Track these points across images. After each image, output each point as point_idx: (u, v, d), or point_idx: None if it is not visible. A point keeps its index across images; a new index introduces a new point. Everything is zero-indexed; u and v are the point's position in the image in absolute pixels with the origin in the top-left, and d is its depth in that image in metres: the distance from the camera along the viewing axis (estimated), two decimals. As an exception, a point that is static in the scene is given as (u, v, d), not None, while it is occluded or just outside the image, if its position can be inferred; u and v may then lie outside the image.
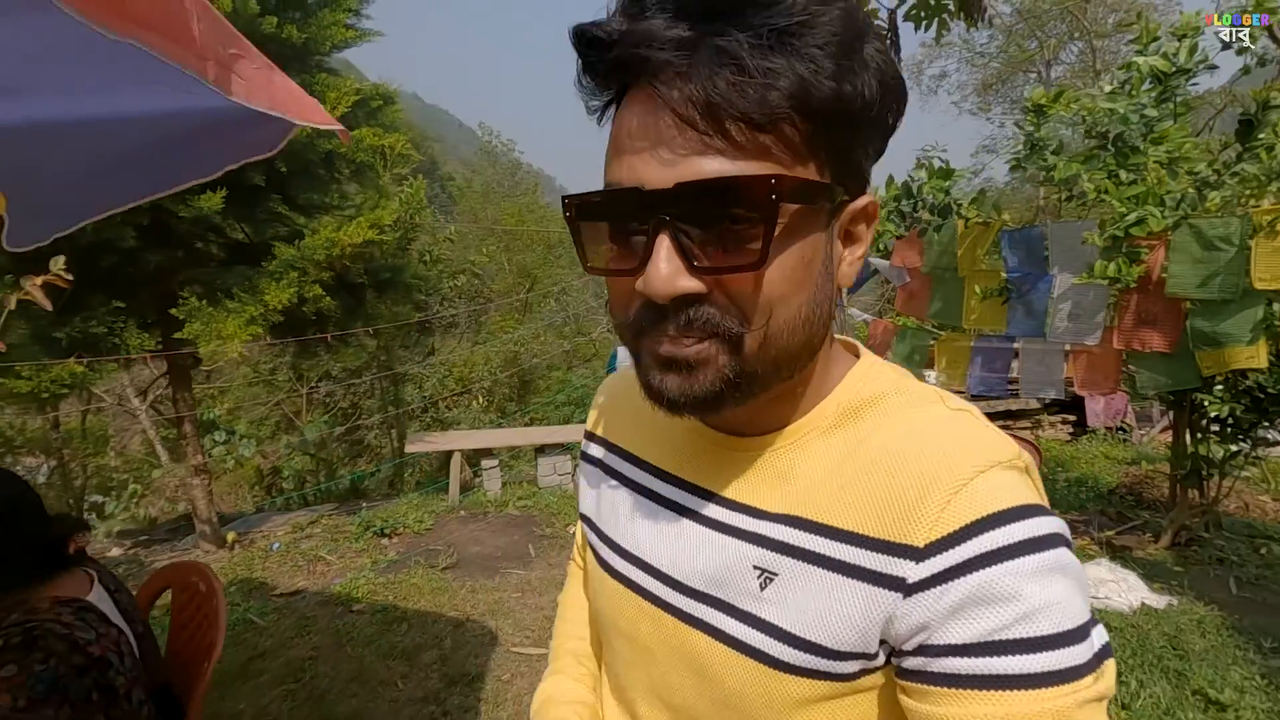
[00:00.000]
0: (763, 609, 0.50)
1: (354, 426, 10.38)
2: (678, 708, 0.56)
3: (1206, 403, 3.71)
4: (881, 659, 0.47)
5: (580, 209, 0.48)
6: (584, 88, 0.47)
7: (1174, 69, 3.55)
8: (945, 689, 0.42)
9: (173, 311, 3.77)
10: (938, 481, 0.45)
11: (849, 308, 6.19)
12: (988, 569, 0.42)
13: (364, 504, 5.25)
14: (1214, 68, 3.67)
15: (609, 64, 0.44)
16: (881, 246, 4.97)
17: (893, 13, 6.22)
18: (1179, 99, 3.63)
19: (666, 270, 0.42)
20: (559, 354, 14.68)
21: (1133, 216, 3.23)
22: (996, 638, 0.41)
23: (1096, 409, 7.18)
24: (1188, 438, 3.90)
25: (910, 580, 0.44)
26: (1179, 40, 3.61)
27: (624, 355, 4.75)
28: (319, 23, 3.67)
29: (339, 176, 4.33)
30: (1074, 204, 4.23)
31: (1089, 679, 0.40)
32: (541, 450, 5.63)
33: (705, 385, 0.46)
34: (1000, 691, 0.40)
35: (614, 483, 0.65)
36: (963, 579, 0.42)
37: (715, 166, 0.41)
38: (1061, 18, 16.51)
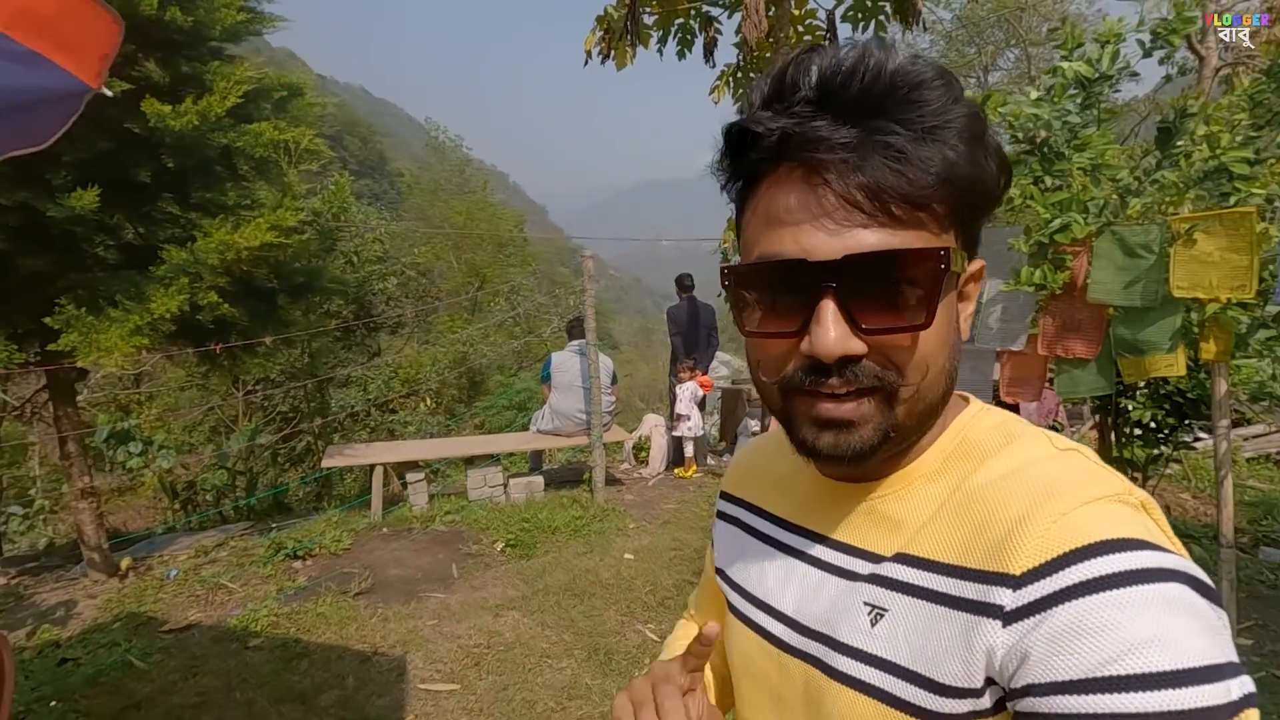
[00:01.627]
0: (873, 644, 0.51)
1: (290, 434, 9.90)
2: None
3: (1131, 408, 3.73)
4: (988, 702, 0.45)
5: (741, 277, 0.53)
6: (724, 163, 0.54)
7: (1097, 75, 3.54)
8: None
9: (47, 321, 3.42)
10: (1038, 511, 0.45)
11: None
12: (1088, 597, 0.41)
13: (273, 524, 4.92)
14: (1136, 75, 3.69)
15: (771, 151, 0.49)
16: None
17: (831, 13, 6.20)
18: (1103, 105, 3.63)
19: (836, 332, 0.47)
20: (509, 353, 14.37)
21: (1057, 223, 3.21)
22: (1104, 673, 0.39)
23: (1030, 409, 7.31)
24: (1113, 440, 3.93)
25: (1008, 608, 0.44)
26: (1102, 47, 3.61)
27: (558, 361, 4.54)
28: (208, 6, 3.37)
29: (241, 173, 4.01)
30: (1002, 209, 4.23)
31: None
32: (471, 461, 5.39)
33: (860, 440, 0.50)
34: None
35: (745, 535, 0.70)
36: (1061, 607, 0.41)
37: (878, 239, 0.47)
38: (999, 25, 16.98)
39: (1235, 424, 7.19)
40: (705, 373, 6.44)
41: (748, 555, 0.68)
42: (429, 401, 11.64)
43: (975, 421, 0.57)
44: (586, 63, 5.93)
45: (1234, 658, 0.40)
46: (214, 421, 10.65)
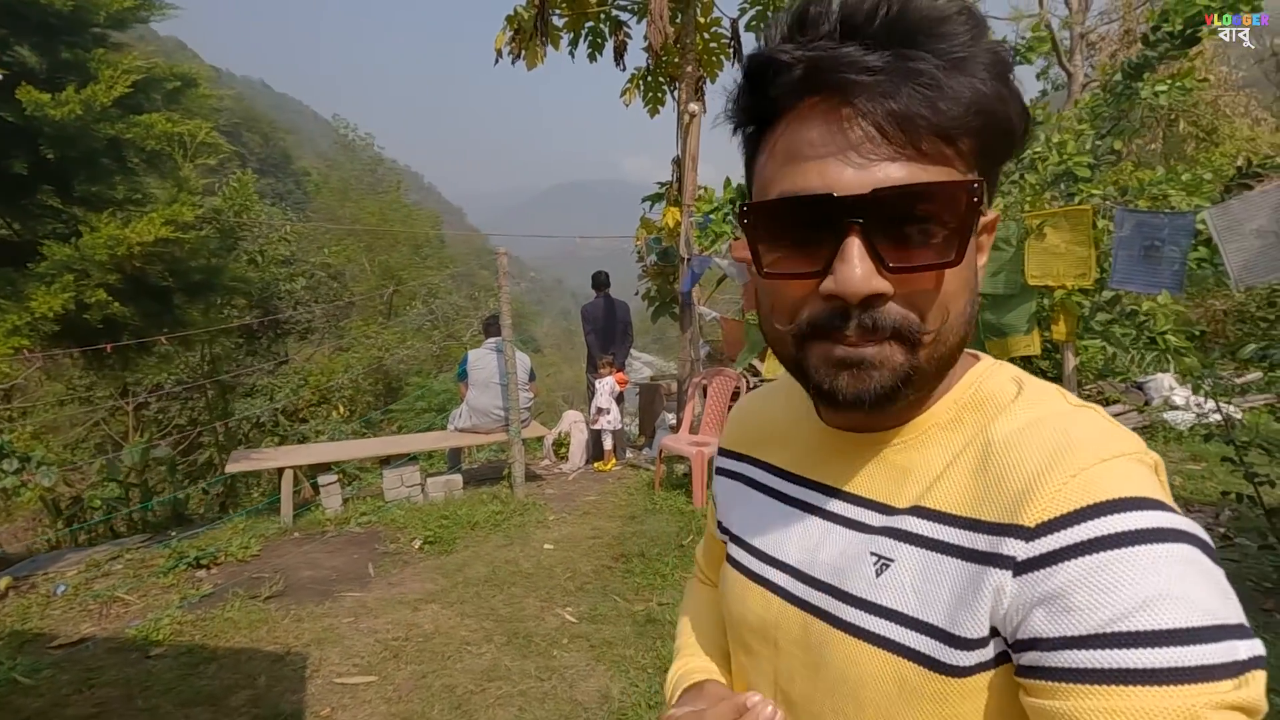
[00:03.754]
0: (879, 595, 0.51)
1: (190, 446, 9.33)
2: (796, 700, 0.58)
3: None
4: (992, 652, 0.45)
5: (760, 216, 0.50)
6: (739, 104, 0.52)
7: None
8: (1064, 684, 0.40)
9: (-92, 322, 3.18)
10: (1055, 466, 0.45)
11: (699, 306, 6.35)
12: (1100, 554, 0.41)
13: (173, 533, 4.70)
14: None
15: (797, 83, 0.47)
16: (725, 248, 5.14)
17: (735, 22, 6.49)
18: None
19: (861, 270, 0.45)
20: (428, 357, 14.04)
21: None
22: (1114, 629, 0.39)
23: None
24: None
25: (1019, 559, 0.44)
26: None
27: (474, 358, 4.57)
28: (91, -10, 3.22)
29: (131, 166, 3.84)
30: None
31: (1227, 683, 0.37)
32: (387, 462, 5.31)
33: (880, 383, 0.48)
34: (1122, 687, 0.38)
35: (748, 489, 0.69)
36: (1072, 561, 0.41)
37: (907, 173, 0.45)
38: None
39: (1102, 404, 7.99)
40: (622, 369, 6.59)
41: (750, 509, 0.68)
42: (342, 409, 11.24)
43: (989, 374, 0.56)
44: (497, 61, 5.97)
45: (1243, 620, 0.40)
46: (99, 438, 9.90)
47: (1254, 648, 0.39)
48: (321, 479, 4.96)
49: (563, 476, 6.14)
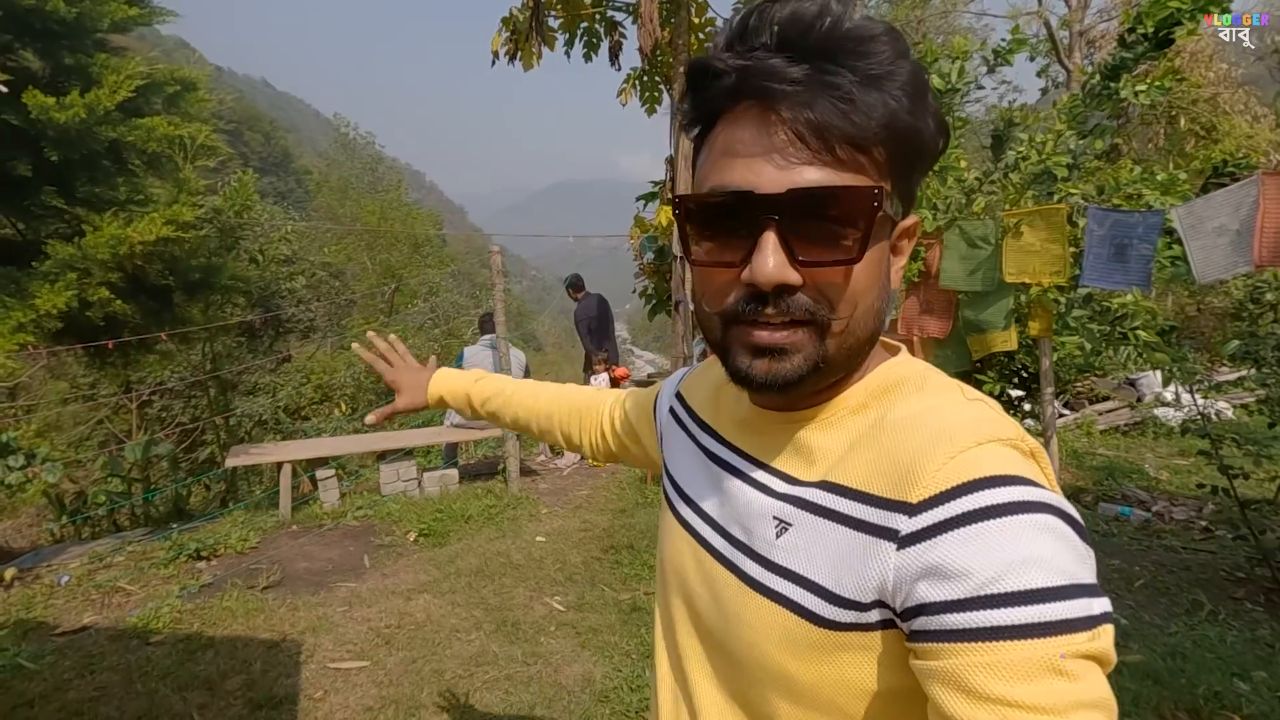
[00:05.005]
0: (775, 553, 0.57)
1: (193, 443, 9.43)
2: (712, 632, 0.65)
3: (984, 383, 4.21)
4: (875, 617, 0.50)
5: (690, 207, 0.55)
6: (689, 105, 0.57)
7: (948, 87, 4.00)
8: (947, 644, 0.44)
9: (-85, 320, 3.27)
10: (937, 448, 0.49)
11: (692, 303, 6.43)
12: (974, 525, 0.45)
13: (175, 526, 4.80)
14: (981, 88, 4.17)
15: (730, 89, 0.52)
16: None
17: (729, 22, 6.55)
18: (955, 115, 4.09)
19: (775, 261, 0.50)
20: (429, 356, 14.10)
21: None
22: (986, 591, 0.43)
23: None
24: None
25: (903, 533, 0.48)
26: (952, 62, 4.07)
27: (469, 355, 4.67)
28: (93, -3, 3.31)
29: (133, 168, 3.93)
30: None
31: (1084, 635, 0.42)
32: (383, 457, 5.41)
33: (791, 369, 0.53)
34: (996, 642, 0.42)
35: (688, 440, 0.76)
36: (950, 533, 0.46)
37: (821, 176, 0.50)
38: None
39: (1092, 401, 8.06)
40: (617, 364, 6.68)
41: (686, 458, 0.75)
42: (344, 407, 11.34)
43: (899, 366, 0.61)
44: (494, 63, 6.04)
45: (1095, 582, 0.45)
46: (103, 436, 10.01)
47: (1104, 604, 0.44)
48: (319, 473, 5.05)
49: (558, 471, 6.23)
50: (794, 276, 0.51)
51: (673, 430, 0.81)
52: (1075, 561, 0.45)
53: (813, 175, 0.50)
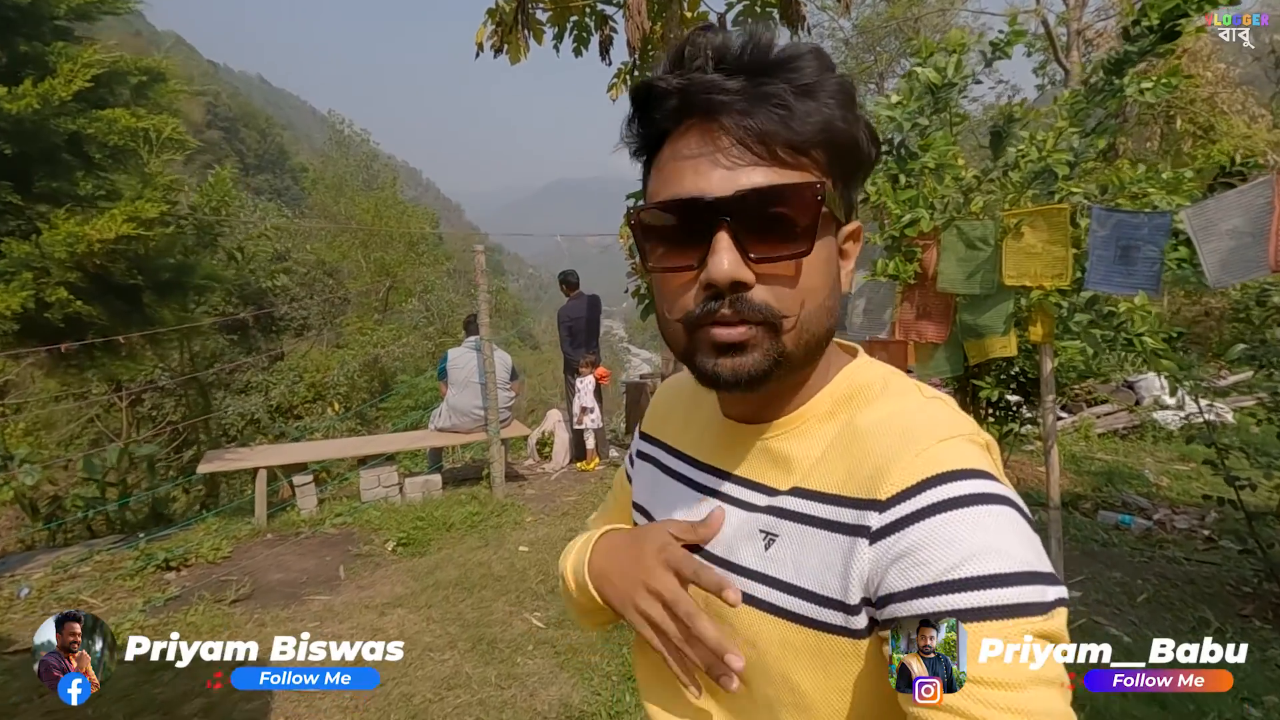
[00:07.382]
0: (767, 566, 0.59)
1: (184, 442, 9.27)
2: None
3: (980, 388, 4.08)
4: (862, 622, 0.52)
5: (644, 217, 0.58)
6: (633, 127, 0.60)
7: (944, 82, 3.85)
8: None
9: None
10: (903, 448, 0.53)
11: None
12: (937, 516, 0.49)
13: (141, 535, 4.64)
14: (979, 82, 4.03)
15: (674, 109, 0.56)
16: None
17: (722, 17, 6.41)
18: (952, 110, 3.95)
19: (729, 259, 0.53)
20: (424, 354, 13.97)
21: (907, 218, 3.47)
22: (949, 577, 0.46)
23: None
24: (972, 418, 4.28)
25: (874, 528, 0.52)
26: (949, 56, 3.92)
27: (454, 357, 4.51)
28: (47, -18, 3.15)
29: (96, 162, 3.77)
30: (866, 205, 4.52)
31: (1039, 618, 0.46)
32: (364, 462, 5.25)
33: (754, 364, 0.55)
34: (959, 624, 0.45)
35: (660, 473, 0.77)
36: (916, 525, 0.49)
37: (766, 177, 0.54)
38: (895, 34, 17.92)
39: (1089, 404, 7.94)
40: (599, 365, 6.52)
41: (662, 491, 0.75)
42: (337, 406, 11.19)
43: (860, 371, 0.64)
44: (478, 55, 5.89)
45: (1050, 569, 0.48)
46: (94, 434, 9.84)
47: (1060, 591, 0.48)
48: (297, 479, 4.90)
49: (545, 476, 6.08)
50: (748, 274, 0.54)
51: (641, 470, 0.81)
52: (1032, 552, 0.48)
53: (758, 177, 0.53)
